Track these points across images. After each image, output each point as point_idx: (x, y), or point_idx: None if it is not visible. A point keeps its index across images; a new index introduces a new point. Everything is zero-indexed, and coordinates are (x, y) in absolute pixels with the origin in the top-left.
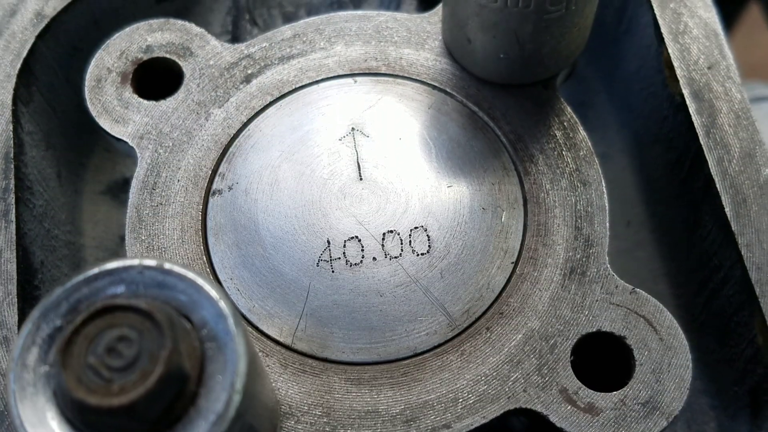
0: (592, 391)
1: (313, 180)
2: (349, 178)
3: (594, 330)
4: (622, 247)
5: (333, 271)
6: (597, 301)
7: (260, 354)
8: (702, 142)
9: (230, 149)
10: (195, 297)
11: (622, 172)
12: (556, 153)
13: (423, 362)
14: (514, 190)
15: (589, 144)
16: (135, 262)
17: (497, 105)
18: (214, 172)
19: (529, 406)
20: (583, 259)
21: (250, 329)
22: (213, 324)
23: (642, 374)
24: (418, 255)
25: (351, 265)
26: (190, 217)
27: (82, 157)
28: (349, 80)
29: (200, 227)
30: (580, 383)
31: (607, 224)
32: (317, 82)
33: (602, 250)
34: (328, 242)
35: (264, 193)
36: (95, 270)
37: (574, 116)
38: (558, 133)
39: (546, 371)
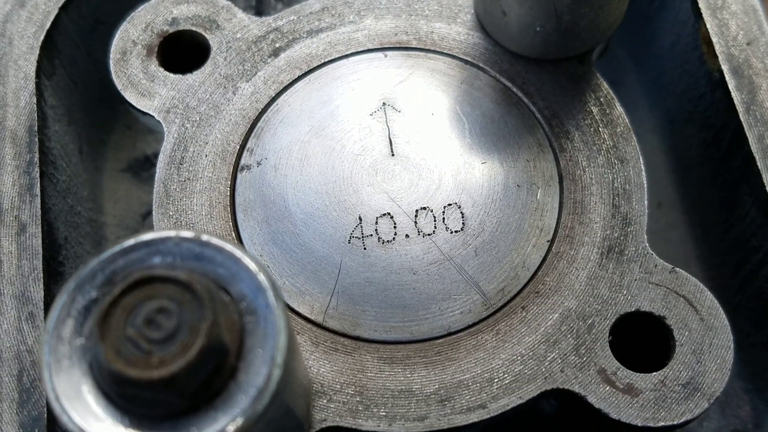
0: (631, 371)
1: (343, 155)
2: (381, 154)
3: (633, 310)
4: (653, 229)
5: (365, 248)
6: (636, 280)
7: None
8: (742, 119)
9: (258, 124)
10: (233, 269)
11: (653, 152)
12: (592, 129)
13: (457, 341)
14: (549, 167)
15: (626, 120)
16: (172, 233)
17: (531, 80)
18: (242, 147)
19: (566, 387)
20: (621, 238)
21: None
22: (252, 297)
23: (682, 355)
24: (451, 232)
25: (383, 242)
26: (219, 192)
27: (102, 134)
28: (380, 54)
29: (229, 203)
30: (618, 364)
31: (646, 202)
32: (347, 56)
33: (640, 228)
34: (360, 219)
35: (294, 168)
36: (132, 241)
37: (611, 92)
38: (594, 109)
39: (584, 351)
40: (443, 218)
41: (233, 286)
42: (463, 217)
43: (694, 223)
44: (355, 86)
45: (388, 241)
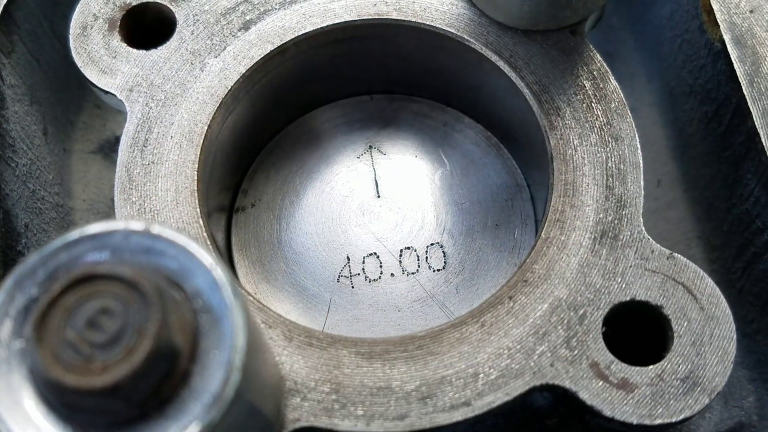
0: (626, 365)
1: (332, 197)
2: (368, 196)
3: (627, 299)
4: (651, 208)
5: (353, 287)
6: (631, 267)
7: (263, 326)
8: (745, 93)
9: (252, 166)
10: (187, 264)
11: (651, 127)
12: (584, 105)
13: (440, 334)
14: (526, 207)
15: (621, 95)
16: (120, 225)
17: (519, 53)
18: (237, 187)
19: (556, 382)
20: (615, 222)
21: (253, 300)
22: (208, 294)
23: (681, 347)
24: (434, 271)
25: (370, 281)
26: (185, 176)
27: (69, 114)
28: (366, 98)
29: (196, 188)
30: (612, 357)
31: (642, 183)
32: (335, 100)
33: (636, 211)
34: (348, 258)
35: (285, 209)
36: (75, 234)
37: (605, 65)
38: (587, 84)
39: (575, 344)
40: (426, 257)
41: (187, 282)
42: (444, 256)
43: (694, 201)
44: (342, 129)
45: (374, 279)
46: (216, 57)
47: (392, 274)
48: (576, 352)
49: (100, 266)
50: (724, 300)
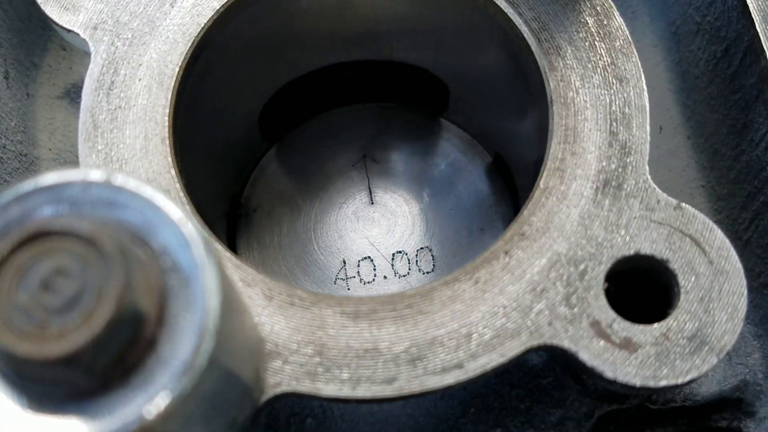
0: (629, 323)
1: (329, 204)
2: (362, 202)
3: (632, 253)
4: (653, 156)
5: (348, 289)
6: (635, 218)
7: (240, 284)
8: (758, 29)
9: (254, 174)
10: (153, 219)
11: (653, 69)
12: (587, 44)
13: (431, 292)
14: (509, 211)
15: (626, 33)
16: (77, 175)
17: None
18: (240, 193)
19: (555, 343)
20: (619, 170)
21: (230, 256)
22: (176, 252)
23: (688, 303)
24: (424, 273)
25: (365, 283)
26: (155, 122)
27: (33, 57)
28: (359, 106)
29: (167, 134)
30: (615, 314)
31: (648, 128)
32: (330, 109)
33: (641, 158)
34: (344, 262)
35: (285, 215)
36: (28, 186)
37: None
38: (590, 20)
39: (575, 301)
40: (417, 261)
41: (154, 239)
42: (433, 260)
43: (699, 149)
44: (337, 139)
45: (368, 281)
46: None
47: (385, 277)
48: (576, 310)
49: (55, 221)
50: (734, 253)
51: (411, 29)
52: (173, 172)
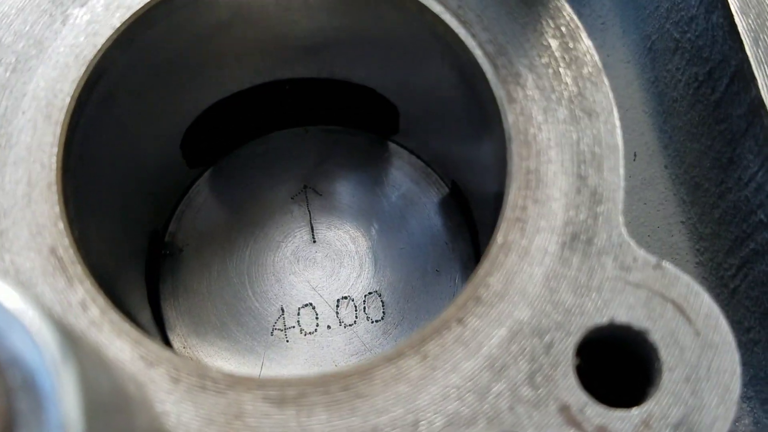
0: (603, 407)
1: (266, 242)
2: (303, 241)
3: (605, 321)
4: (626, 187)
5: (287, 341)
6: (608, 279)
7: (141, 362)
8: (748, 53)
9: (179, 207)
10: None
11: (626, 88)
12: (551, 71)
13: (371, 371)
14: (467, 249)
15: (596, 57)
16: None
17: (470, 3)
18: (165, 229)
19: None
20: (589, 221)
21: (131, 328)
22: (28, 363)
23: (671, 383)
24: (372, 322)
25: (306, 334)
26: (41, 164)
27: None
28: (300, 130)
29: (54, 179)
30: (587, 397)
31: (621, 171)
32: (266, 133)
33: (614, 207)
34: (282, 310)
35: (216, 255)
36: None
37: (575, 19)
38: (553, 43)
39: (540, 380)
40: (364, 307)
41: (1, 347)
42: (383, 306)
43: (678, 180)
44: (276, 166)
45: (310, 332)
46: (82, 6)
47: (329, 326)
48: (541, 391)
49: None
50: (724, 322)
51: (352, 44)
52: (61, 225)
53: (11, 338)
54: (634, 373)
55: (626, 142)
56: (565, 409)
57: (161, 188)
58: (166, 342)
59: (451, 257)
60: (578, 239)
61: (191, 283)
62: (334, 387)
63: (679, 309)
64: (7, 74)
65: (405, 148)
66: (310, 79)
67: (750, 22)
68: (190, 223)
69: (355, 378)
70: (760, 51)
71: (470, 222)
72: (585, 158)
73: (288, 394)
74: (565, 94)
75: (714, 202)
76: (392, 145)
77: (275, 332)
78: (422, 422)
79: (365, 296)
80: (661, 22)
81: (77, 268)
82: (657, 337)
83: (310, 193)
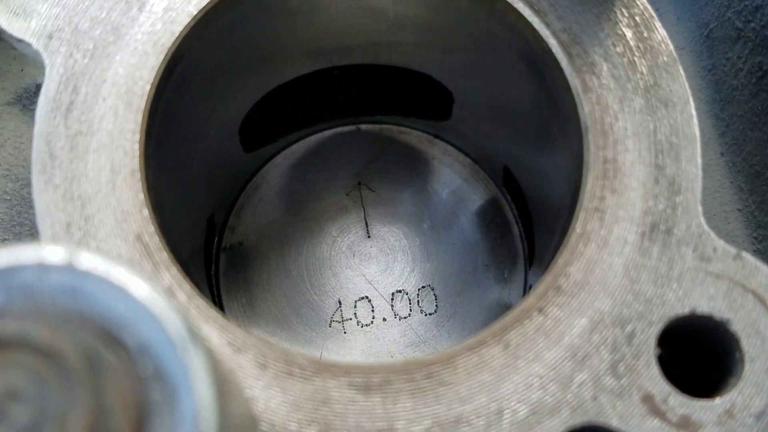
0: (687, 397)
1: (322, 237)
2: (358, 236)
3: (686, 311)
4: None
5: (345, 332)
6: (689, 270)
7: (229, 349)
8: None
9: (239, 201)
10: (129, 310)
11: None
12: (626, 60)
13: (454, 359)
14: (515, 244)
15: (671, 47)
16: (31, 256)
17: None
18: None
19: (601, 421)
20: (668, 211)
21: (217, 315)
22: (159, 352)
23: (753, 373)
24: (426, 315)
25: (362, 326)
26: (123, 151)
27: None
28: (353, 128)
29: (138, 166)
30: (670, 387)
31: (699, 161)
32: (321, 130)
33: (693, 197)
34: (340, 303)
35: (274, 249)
36: None
37: (649, 8)
38: (628, 33)
39: (623, 370)
40: (418, 301)
41: (130, 335)
42: (436, 299)
43: (735, 168)
44: (330, 163)
45: (366, 324)
46: None
47: (384, 319)
48: (624, 381)
49: (2, 327)
50: None
51: (416, 31)
52: (145, 212)
53: (141, 327)
54: (714, 362)
55: None
56: (648, 399)
57: (218, 175)
58: None
59: (500, 252)
60: (657, 229)
61: (251, 276)
62: (418, 375)
63: (760, 300)
64: (86, 60)
65: (454, 146)
66: (367, 65)
67: None
68: (249, 217)
69: (439, 366)
70: None
71: (522, 215)
72: (662, 148)
73: (373, 381)
74: (641, 83)
75: None
76: (442, 143)
77: (333, 324)
78: (506, 411)
79: (419, 290)
80: (722, 10)
81: (163, 255)
82: (738, 327)
83: (363, 190)
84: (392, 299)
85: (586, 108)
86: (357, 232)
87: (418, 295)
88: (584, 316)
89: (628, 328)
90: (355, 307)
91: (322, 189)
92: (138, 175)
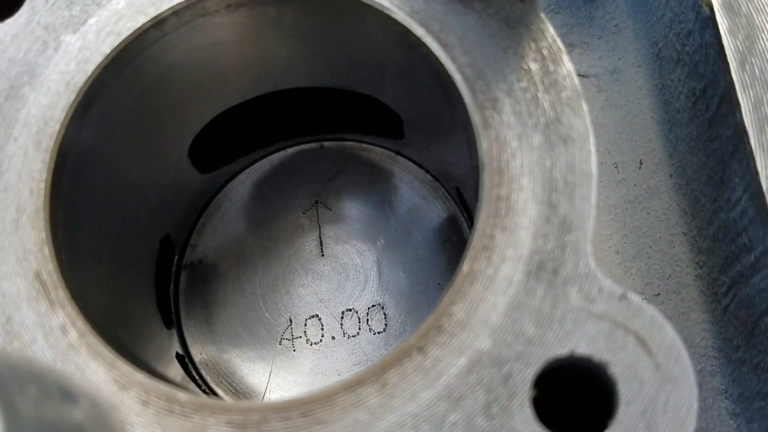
0: None
1: (277, 256)
2: (312, 254)
3: (565, 353)
4: (630, 196)
5: (294, 350)
6: (572, 310)
7: (113, 385)
8: (734, 77)
9: (201, 219)
10: None
11: (636, 93)
12: (529, 96)
13: (331, 397)
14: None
15: (575, 81)
16: None
17: (451, 25)
18: (186, 240)
19: None
20: (557, 251)
21: (106, 349)
22: None
23: (627, 416)
24: (375, 333)
25: (311, 344)
26: (29, 190)
27: None
28: (316, 145)
29: (42, 206)
30: (543, 429)
31: (593, 200)
32: (284, 148)
33: (584, 236)
34: (290, 320)
35: (232, 268)
36: None
37: (558, 41)
38: (534, 66)
39: (496, 411)
40: (367, 319)
41: None
42: (385, 318)
43: (681, 191)
44: (291, 181)
45: (315, 342)
46: (74, 33)
47: (333, 337)
48: (496, 422)
49: None
50: (686, 356)
51: (347, 58)
52: (46, 250)
53: None
54: (594, 403)
55: (633, 149)
56: None
57: (173, 196)
58: (185, 349)
59: (453, 271)
60: (544, 269)
61: (208, 293)
62: (294, 413)
63: (641, 341)
64: (0, 101)
65: (415, 162)
66: (311, 88)
67: (738, 43)
68: (209, 235)
69: (315, 405)
70: (745, 74)
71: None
72: (557, 186)
73: (250, 419)
74: (542, 119)
75: (709, 218)
76: (403, 160)
77: (283, 342)
78: None
79: (369, 308)
80: (666, 30)
81: (59, 293)
82: (617, 370)
83: (320, 208)
84: (342, 318)
85: (484, 145)
86: (311, 250)
87: (367, 313)
88: (463, 356)
89: (506, 368)
90: (306, 325)
91: (281, 208)
92: (41, 214)
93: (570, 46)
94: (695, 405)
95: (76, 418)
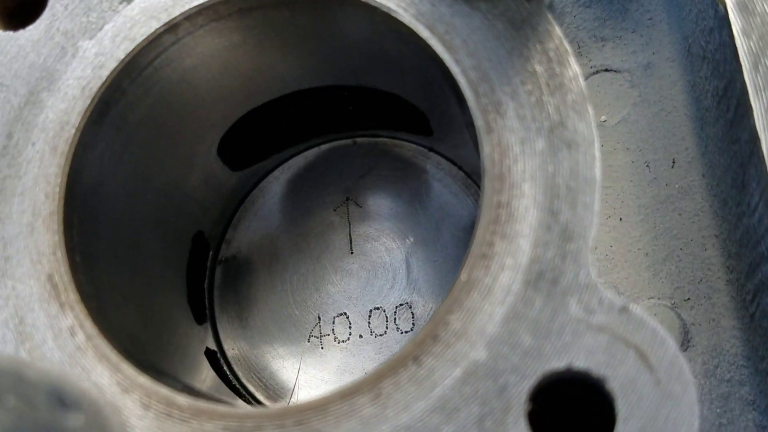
0: None
1: (307, 253)
2: (341, 252)
3: (562, 366)
4: (662, 196)
5: (322, 347)
6: (571, 322)
7: (116, 388)
8: (746, 79)
9: (236, 215)
10: None
11: (670, 88)
12: (533, 99)
13: (326, 406)
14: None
15: (581, 84)
16: None
17: (457, 28)
18: (222, 236)
19: None
20: (557, 260)
21: (112, 353)
22: None
23: None
24: (402, 333)
25: (339, 342)
26: (45, 194)
27: None
28: (349, 142)
29: (56, 209)
30: None
31: (596, 207)
32: (317, 144)
33: (584, 245)
34: (319, 318)
35: (263, 264)
36: None
37: (565, 43)
38: (539, 69)
39: (490, 425)
40: (395, 318)
41: None
42: (413, 318)
43: (712, 192)
44: (324, 177)
45: (343, 340)
46: (91, 39)
47: (361, 336)
48: None
49: None
50: (687, 371)
51: (367, 58)
52: (59, 253)
53: None
54: (591, 418)
55: (666, 147)
56: None
57: (204, 194)
58: (218, 344)
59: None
60: (543, 278)
61: (241, 289)
62: (289, 421)
63: (642, 356)
64: (21, 106)
65: (447, 158)
66: (341, 86)
67: (752, 44)
68: (243, 231)
69: (310, 413)
70: (758, 77)
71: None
72: (559, 192)
73: (246, 425)
74: (546, 123)
75: (735, 222)
76: (436, 157)
77: (311, 339)
78: None
79: (396, 307)
80: (693, 26)
81: (69, 295)
82: (615, 385)
83: (351, 206)
84: (369, 316)
85: (486, 150)
86: (341, 248)
87: (395, 312)
88: (458, 367)
89: (501, 380)
90: (334, 323)
91: (313, 204)
92: (56, 217)
93: (602, 41)
94: (696, 424)
95: (70, 425)
